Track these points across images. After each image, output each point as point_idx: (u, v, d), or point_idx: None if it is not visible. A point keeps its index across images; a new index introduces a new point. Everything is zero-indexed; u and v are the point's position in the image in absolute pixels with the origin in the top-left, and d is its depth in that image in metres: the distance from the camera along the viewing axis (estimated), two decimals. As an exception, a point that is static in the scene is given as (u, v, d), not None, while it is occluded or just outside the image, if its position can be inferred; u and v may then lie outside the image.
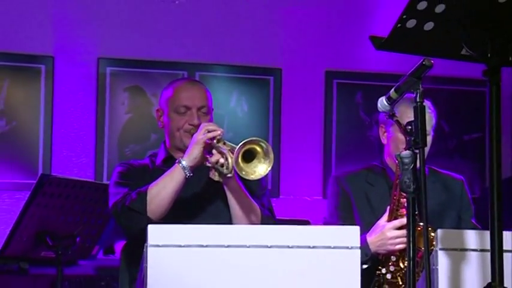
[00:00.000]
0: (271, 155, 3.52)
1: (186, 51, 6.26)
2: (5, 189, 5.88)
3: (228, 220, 3.76)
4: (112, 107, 6.17)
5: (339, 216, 3.94)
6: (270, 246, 3.01)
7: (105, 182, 5.14)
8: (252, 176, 3.54)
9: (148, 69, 6.22)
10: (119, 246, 4.66)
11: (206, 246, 2.98)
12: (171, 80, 4.24)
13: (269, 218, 3.83)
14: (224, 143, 3.63)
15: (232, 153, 3.53)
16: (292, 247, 3.02)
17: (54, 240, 4.27)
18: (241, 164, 3.50)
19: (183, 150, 3.76)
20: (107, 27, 6.18)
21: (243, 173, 3.51)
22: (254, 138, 3.52)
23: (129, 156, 5.96)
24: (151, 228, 2.98)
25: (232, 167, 3.54)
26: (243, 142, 3.48)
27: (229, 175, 3.64)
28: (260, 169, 3.54)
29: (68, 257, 4.33)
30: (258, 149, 3.53)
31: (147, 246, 2.96)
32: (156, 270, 2.95)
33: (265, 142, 3.53)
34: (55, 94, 6.09)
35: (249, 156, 3.52)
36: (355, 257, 3.03)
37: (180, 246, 2.98)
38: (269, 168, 3.54)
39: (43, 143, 6.03)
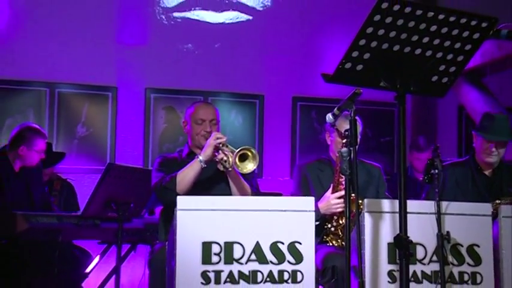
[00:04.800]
0: (257, 158, 3.52)
1: (202, 83, 6.27)
2: (85, 172, 5.85)
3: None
4: (154, 120, 6.15)
5: (301, 191, 3.92)
6: (256, 210, 2.99)
7: (149, 168, 5.09)
8: (244, 171, 3.54)
9: (178, 95, 6.21)
10: (158, 210, 4.63)
11: (215, 210, 2.96)
12: (192, 102, 4.22)
13: (256, 194, 3.81)
14: (227, 147, 3.63)
15: (232, 153, 3.52)
16: (270, 210, 3.00)
17: (117, 206, 4.24)
18: (238, 163, 3.50)
19: (200, 147, 3.76)
20: (152, 68, 6.18)
21: (239, 169, 3.52)
22: (247, 146, 3.52)
23: (165, 151, 5.94)
24: (179, 198, 2.96)
25: (232, 164, 3.53)
26: (239, 149, 3.49)
27: (229, 169, 3.63)
28: (249, 166, 3.53)
29: (125, 217, 4.29)
30: (249, 153, 3.52)
31: (176, 210, 2.93)
32: (183, 226, 2.93)
33: (255, 149, 3.53)
34: (118, 111, 6.07)
35: (243, 158, 3.52)
36: (311, 217, 3.02)
37: (198, 209, 2.95)
38: (255, 167, 3.54)
39: (110, 142, 6.03)
